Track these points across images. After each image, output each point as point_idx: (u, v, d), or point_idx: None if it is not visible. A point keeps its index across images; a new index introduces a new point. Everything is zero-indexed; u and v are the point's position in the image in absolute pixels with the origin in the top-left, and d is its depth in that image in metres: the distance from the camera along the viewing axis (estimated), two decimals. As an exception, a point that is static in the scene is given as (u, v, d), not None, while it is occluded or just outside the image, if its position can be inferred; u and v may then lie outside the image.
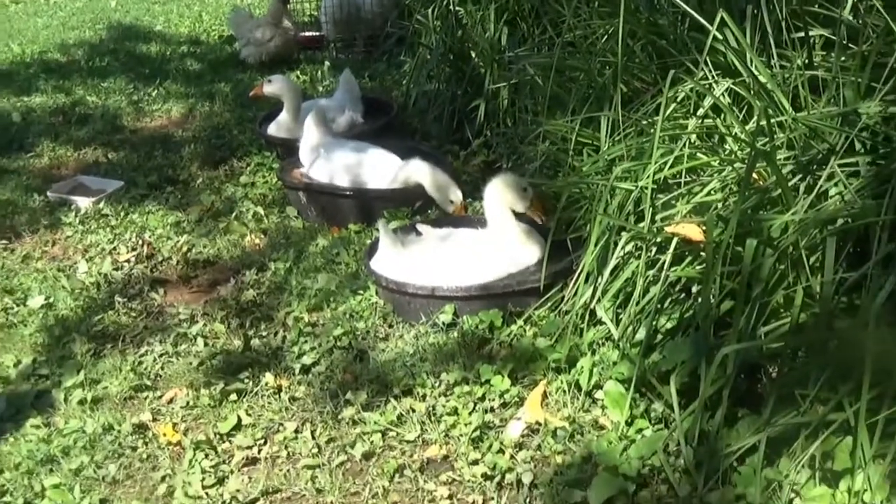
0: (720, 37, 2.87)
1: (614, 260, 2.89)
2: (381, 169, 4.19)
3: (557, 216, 3.22)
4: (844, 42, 2.72)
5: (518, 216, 3.45)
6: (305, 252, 3.92)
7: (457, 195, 3.97)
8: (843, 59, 2.68)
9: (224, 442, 2.87)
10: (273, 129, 4.96)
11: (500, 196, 3.42)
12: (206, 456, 2.80)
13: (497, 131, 4.45)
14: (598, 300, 2.95)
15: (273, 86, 4.97)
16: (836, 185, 2.47)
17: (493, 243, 3.45)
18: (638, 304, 2.78)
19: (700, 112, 2.97)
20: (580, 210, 3.24)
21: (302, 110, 4.89)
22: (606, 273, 2.91)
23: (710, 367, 2.41)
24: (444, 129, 4.89)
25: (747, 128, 2.80)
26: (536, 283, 3.25)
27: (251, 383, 3.11)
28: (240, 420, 2.93)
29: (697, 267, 2.67)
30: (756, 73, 2.78)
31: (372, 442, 2.80)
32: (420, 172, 4.01)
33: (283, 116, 4.94)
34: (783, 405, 2.36)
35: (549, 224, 3.27)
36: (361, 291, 3.54)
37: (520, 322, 3.24)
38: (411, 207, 4.03)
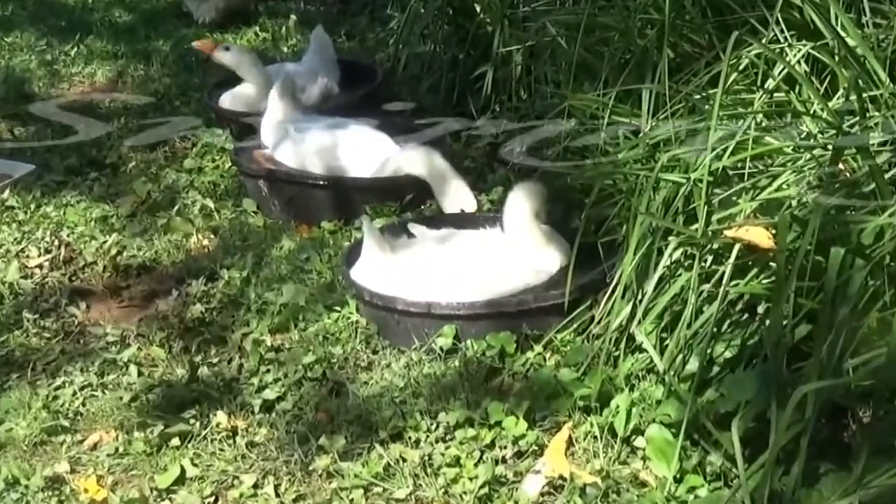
0: (796, -12, 2.86)
1: (659, 271, 2.87)
2: (366, 152, 4.17)
3: (586, 214, 3.19)
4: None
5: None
6: (267, 257, 3.90)
7: (470, 203, 3.95)
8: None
9: (163, 500, 2.83)
10: (228, 101, 4.93)
11: (526, 205, 3.44)
12: (141, 518, 2.76)
13: (508, 105, 4.44)
14: (639, 322, 2.92)
15: (229, 57, 4.92)
16: (946, 179, 2.46)
17: (505, 248, 3.44)
18: (689, 326, 2.76)
19: (769, 84, 2.95)
20: (615, 207, 3.23)
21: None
22: (649, 288, 2.89)
23: (784, 408, 2.38)
24: (441, 102, 4.88)
25: (831, 104, 2.78)
26: (560, 298, 3.23)
27: (198, 424, 3.07)
28: (183, 471, 2.89)
29: (765, 281, 2.65)
30: (843, 33, 2.75)
31: (352, 500, 2.77)
32: (415, 162, 3.98)
33: (244, 86, 4.89)
34: (878, 459, 2.32)
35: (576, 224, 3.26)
36: (338, 308, 3.52)
37: (538, 348, 3.23)
38: (400, 202, 3.99)
